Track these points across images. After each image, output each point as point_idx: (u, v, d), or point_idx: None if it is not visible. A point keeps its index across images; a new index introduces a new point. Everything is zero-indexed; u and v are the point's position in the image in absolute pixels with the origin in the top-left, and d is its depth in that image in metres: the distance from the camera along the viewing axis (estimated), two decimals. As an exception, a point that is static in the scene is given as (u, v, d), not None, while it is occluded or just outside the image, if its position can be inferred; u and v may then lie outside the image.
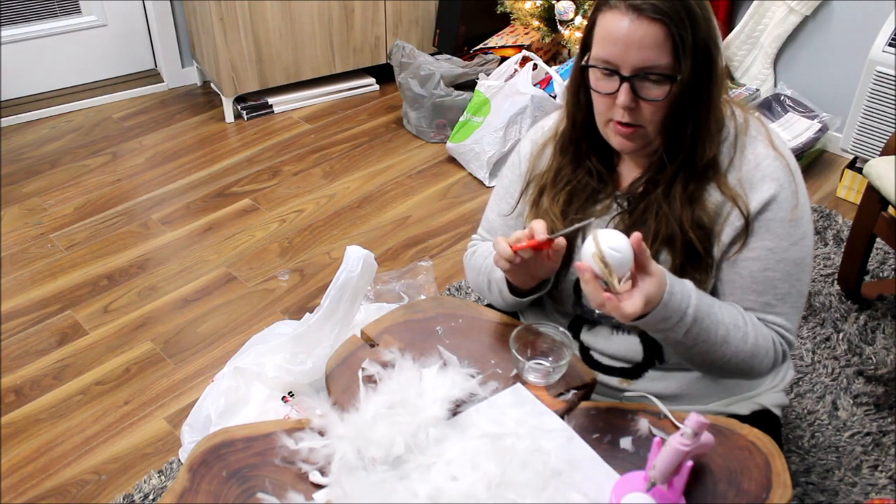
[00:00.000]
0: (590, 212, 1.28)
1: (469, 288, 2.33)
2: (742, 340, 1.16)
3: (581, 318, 1.33)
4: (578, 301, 1.31)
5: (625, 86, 1.12)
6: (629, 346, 1.29)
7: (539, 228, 1.15)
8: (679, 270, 1.19)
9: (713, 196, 1.19)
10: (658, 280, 1.06)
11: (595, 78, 1.16)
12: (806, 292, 1.24)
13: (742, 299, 1.21)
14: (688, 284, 1.13)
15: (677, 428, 1.08)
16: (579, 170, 1.28)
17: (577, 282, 1.28)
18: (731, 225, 1.19)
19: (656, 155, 1.20)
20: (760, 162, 1.18)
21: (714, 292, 1.23)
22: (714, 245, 1.20)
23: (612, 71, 1.13)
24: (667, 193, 1.20)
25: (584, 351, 1.33)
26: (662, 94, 1.12)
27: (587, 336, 1.32)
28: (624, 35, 1.09)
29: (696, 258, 1.19)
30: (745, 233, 1.18)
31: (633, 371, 1.30)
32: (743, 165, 1.19)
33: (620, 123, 1.16)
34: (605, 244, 1.02)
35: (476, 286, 1.41)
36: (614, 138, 1.19)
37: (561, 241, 1.16)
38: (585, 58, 1.18)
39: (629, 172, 1.27)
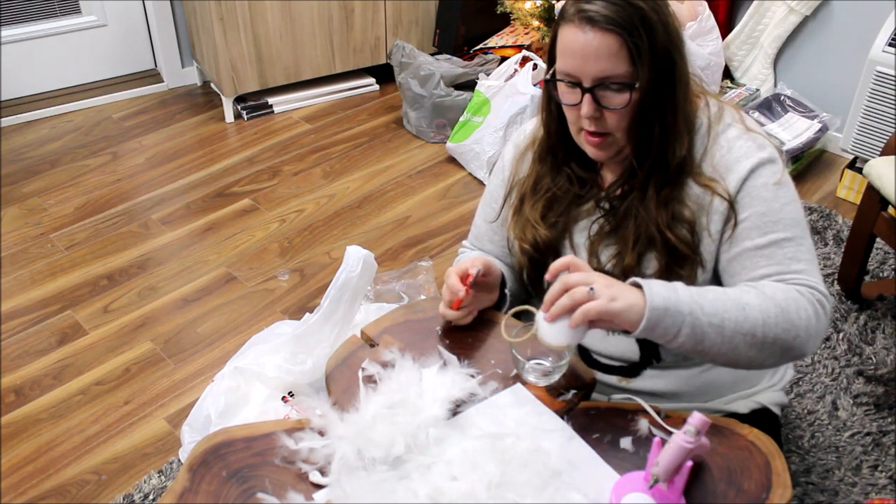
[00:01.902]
0: (573, 215, 1.30)
1: (469, 288, 2.33)
2: (760, 299, 1.09)
3: None
4: None
5: (587, 97, 1.14)
6: (625, 347, 1.29)
7: (455, 285, 1.22)
8: (665, 270, 1.20)
9: (693, 189, 1.20)
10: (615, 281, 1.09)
11: (561, 90, 1.19)
12: (815, 253, 1.19)
13: (754, 268, 1.16)
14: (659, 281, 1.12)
15: (670, 432, 1.08)
16: (558, 177, 1.30)
17: None
18: (716, 212, 1.19)
19: (629, 160, 1.22)
20: (733, 146, 1.19)
21: (724, 285, 1.22)
22: (703, 239, 1.20)
23: (574, 83, 1.15)
24: (642, 198, 1.21)
25: (584, 351, 1.33)
26: (623, 101, 1.14)
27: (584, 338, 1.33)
28: (581, 47, 1.12)
29: (681, 257, 1.20)
30: (734, 211, 1.18)
31: (632, 370, 1.30)
32: (716, 153, 1.20)
33: (590, 133, 1.19)
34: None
35: None
36: (588, 148, 1.22)
37: (483, 269, 1.24)
38: (550, 71, 1.20)
39: (611, 175, 1.29)
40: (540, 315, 1.11)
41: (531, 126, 1.38)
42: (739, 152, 1.18)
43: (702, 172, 1.19)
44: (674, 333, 1.07)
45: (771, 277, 1.15)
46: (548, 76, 1.21)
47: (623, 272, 1.22)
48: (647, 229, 1.20)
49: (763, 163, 1.18)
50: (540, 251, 1.29)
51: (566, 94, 1.18)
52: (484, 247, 1.46)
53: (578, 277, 1.06)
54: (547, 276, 1.11)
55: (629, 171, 1.22)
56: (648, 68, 1.12)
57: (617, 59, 1.11)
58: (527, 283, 1.36)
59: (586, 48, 1.11)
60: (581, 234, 1.29)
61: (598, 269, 1.25)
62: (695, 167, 1.20)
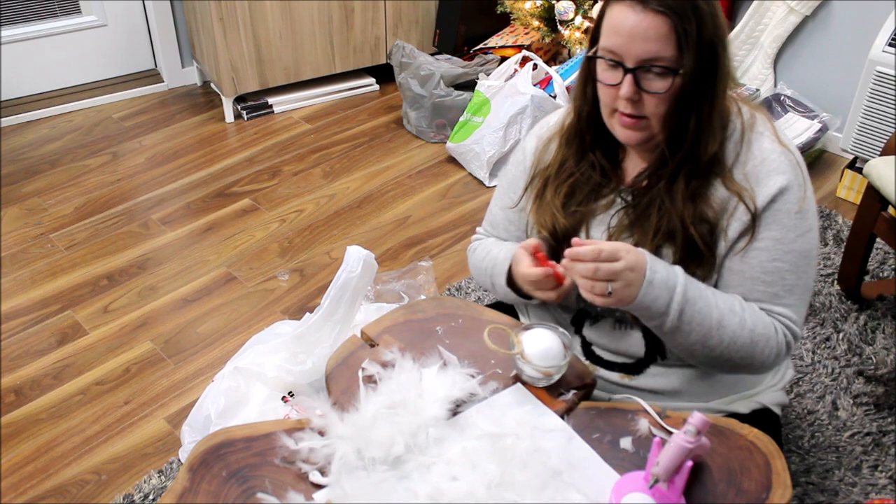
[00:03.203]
0: (592, 206, 1.29)
1: (469, 288, 2.33)
2: (739, 325, 1.17)
3: (584, 313, 1.34)
4: (581, 295, 1.31)
5: (628, 77, 1.14)
6: (631, 342, 1.29)
7: (540, 269, 1.22)
8: (680, 265, 1.20)
9: (719, 191, 1.20)
10: (635, 252, 1.13)
11: (601, 69, 1.18)
12: (812, 286, 1.25)
13: (751, 290, 1.21)
14: (675, 267, 1.17)
15: (670, 432, 1.08)
16: (583, 162, 1.30)
17: None
18: (737, 220, 1.19)
19: (659, 149, 1.21)
20: (767, 157, 1.19)
21: (719, 288, 1.24)
22: (719, 241, 1.20)
23: (616, 62, 1.15)
24: (669, 189, 1.21)
25: (587, 346, 1.34)
26: (665, 86, 1.14)
27: (589, 331, 1.33)
28: (629, 27, 1.12)
29: (698, 254, 1.20)
30: (753, 226, 1.19)
31: (635, 366, 1.30)
32: (749, 161, 1.20)
33: (625, 115, 1.18)
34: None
35: (480, 283, 1.45)
36: (619, 130, 1.21)
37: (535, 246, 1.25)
38: (593, 49, 1.19)
39: (633, 168, 1.28)
40: (520, 360, 1.17)
41: (555, 118, 1.38)
42: (771, 167, 1.19)
43: (733, 178, 1.20)
44: (646, 310, 1.16)
45: (763, 303, 1.21)
46: (590, 54, 1.20)
47: None
48: (670, 221, 1.20)
49: (791, 186, 1.18)
50: (558, 239, 1.29)
51: (606, 73, 1.17)
52: (499, 235, 1.46)
53: (610, 252, 1.10)
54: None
55: (660, 160, 1.21)
56: (693, 56, 1.12)
57: (665, 42, 1.11)
58: None
59: (635, 28, 1.11)
60: (598, 227, 1.29)
61: None
62: (726, 171, 1.20)
